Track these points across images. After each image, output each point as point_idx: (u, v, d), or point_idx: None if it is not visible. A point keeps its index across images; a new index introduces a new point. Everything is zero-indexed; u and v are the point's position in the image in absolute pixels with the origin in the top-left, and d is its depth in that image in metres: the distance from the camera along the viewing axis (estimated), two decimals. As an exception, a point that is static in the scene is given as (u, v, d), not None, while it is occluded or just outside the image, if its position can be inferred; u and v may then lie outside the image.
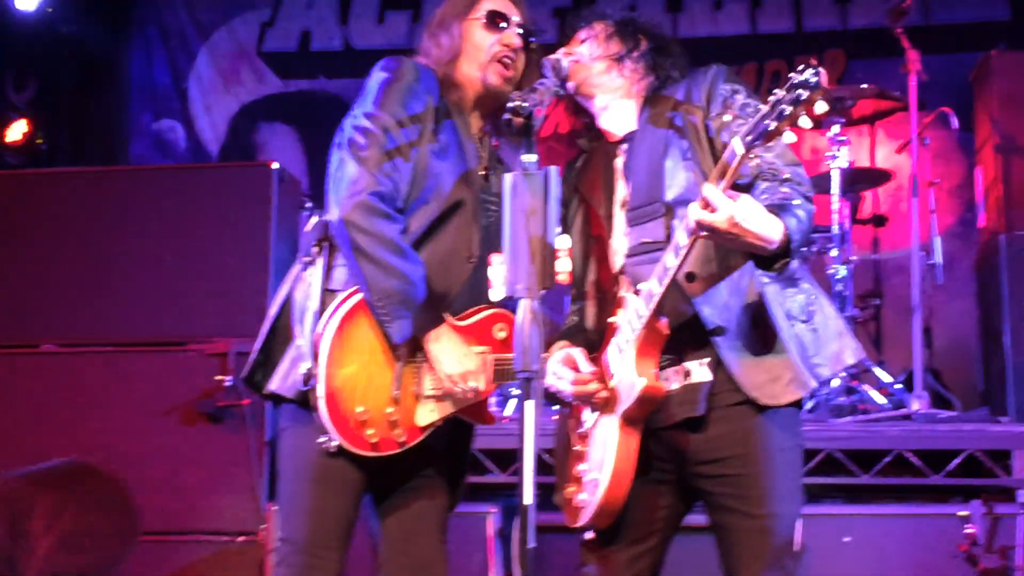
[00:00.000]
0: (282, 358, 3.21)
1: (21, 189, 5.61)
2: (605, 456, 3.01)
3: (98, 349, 5.25)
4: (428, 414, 3.17)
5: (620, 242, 3.15)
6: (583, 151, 3.39)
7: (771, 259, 2.81)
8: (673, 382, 3.03)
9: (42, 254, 5.41)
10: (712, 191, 2.68)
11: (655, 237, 3.03)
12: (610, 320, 3.09)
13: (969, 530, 4.69)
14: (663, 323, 2.94)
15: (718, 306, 2.97)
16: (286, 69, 9.29)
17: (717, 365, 2.99)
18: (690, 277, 2.96)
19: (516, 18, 3.39)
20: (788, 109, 2.54)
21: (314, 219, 3.29)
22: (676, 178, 3.04)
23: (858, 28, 8.49)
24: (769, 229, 2.73)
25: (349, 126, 3.19)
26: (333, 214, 3.09)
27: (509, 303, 3.30)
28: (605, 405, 3.05)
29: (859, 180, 6.98)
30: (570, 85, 3.22)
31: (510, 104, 2.72)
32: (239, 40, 9.37)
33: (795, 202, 2.85)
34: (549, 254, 2.48)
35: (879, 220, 7.60)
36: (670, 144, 3.08)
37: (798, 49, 8.56)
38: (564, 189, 3.30)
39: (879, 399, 6.12)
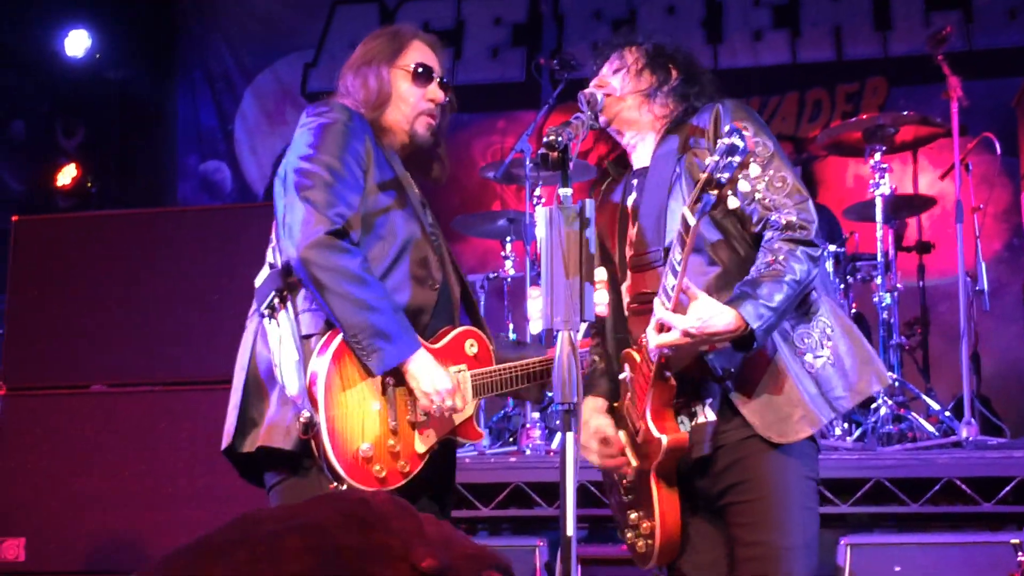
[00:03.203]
0: (263, 414, 3.13)
1: (72, 232, 5.67)
2: (653, 505, 3.06)
3: (146, 389, 5.29)
4: (425, 439, 3.14)
5: (625, 287, 3.16)
6: (609, 176, 3.38)
7: (743, 341, 2.85)
8: (682, 425, 3.04)
9: (92, 296, 5.46)
10: (663, 312, 2.77)
11: (653, 288, 2.99)
12: (621, 377, 3.13)
13: (1022, 558, 4.64)
14: (669, 378, 2.96)
15: (725, 352, 2.93)
16: (330, 109, 9.36)
17: (726, 406, 2.99)
18: None
19: (438, 69, 3.38)
20: (725, 176, 2.59)
21: (264, 272, 3.22)
22: (675, 224, 2.93)
23: (899, 56, 8.47)
24: (726, 323, 2.80)
25: (290, 170, 3.18)
26: (291, 256, 3.05)
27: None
28: (640, 460, 3.09)
29: (903, 207, 6.96)
30: (602, 119, 3.21)
31: (546, 139, 2.68)
32: (283, 81, 9.49)
33: (774, 272, 2.87)
34: (587, 286, 2.49)
35: (924, 247, 7.54)
36: (675, 186, 3.05)
37: (839, 77, 8.56)
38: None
39: (928, 427, 6.07)
